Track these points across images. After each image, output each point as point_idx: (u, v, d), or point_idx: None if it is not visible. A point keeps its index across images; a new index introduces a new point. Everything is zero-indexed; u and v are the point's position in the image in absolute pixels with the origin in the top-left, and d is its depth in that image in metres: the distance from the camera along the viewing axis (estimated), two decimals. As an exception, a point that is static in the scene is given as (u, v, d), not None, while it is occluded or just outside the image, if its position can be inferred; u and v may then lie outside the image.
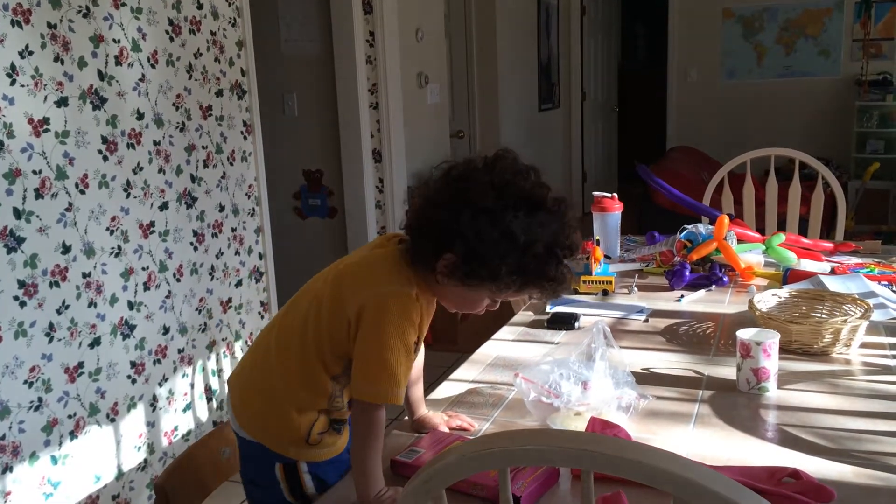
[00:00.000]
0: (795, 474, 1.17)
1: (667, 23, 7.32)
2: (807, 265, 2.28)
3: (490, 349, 1.82)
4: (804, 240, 2.51)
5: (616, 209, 2.49)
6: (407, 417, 1.45)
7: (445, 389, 1.60)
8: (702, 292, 2.19)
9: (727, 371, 1.61)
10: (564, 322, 1.94)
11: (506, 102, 5.76)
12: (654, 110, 7.86)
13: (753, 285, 2.21)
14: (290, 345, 1.29)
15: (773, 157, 3.06)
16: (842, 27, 6.71)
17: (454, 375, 1.66)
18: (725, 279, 2.24)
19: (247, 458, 1.35)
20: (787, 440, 1.34)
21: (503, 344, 1.86)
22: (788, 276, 2.18)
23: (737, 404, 1.48)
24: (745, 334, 1.53)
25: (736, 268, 2.28)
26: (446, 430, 1.38)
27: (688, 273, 2.22)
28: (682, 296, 2.16)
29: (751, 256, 2.34)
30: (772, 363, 1.51)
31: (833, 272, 2.23)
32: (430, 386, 1.57)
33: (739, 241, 2.42)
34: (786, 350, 1.71)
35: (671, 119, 7.48)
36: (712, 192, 3.13)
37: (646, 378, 1.62)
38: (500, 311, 2.49)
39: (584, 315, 2.02)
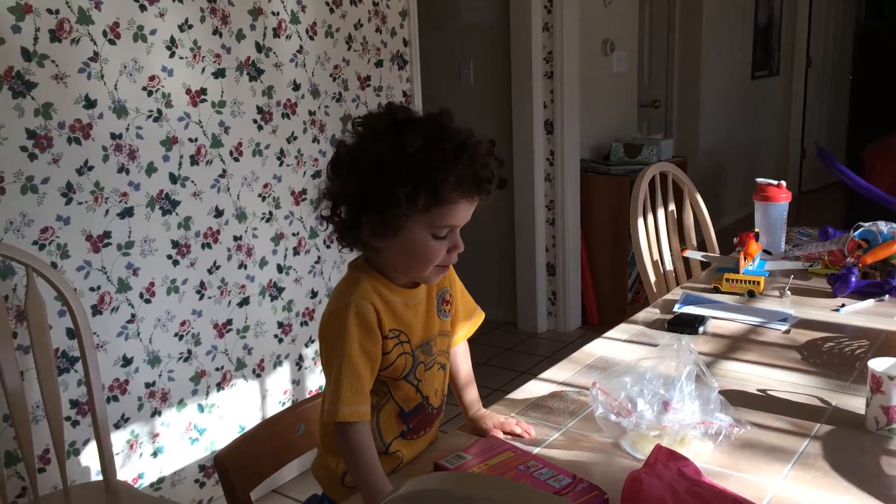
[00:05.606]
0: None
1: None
2: None
3: (596, 347, 1.69)
4: None
5: (782, 199, 2.22)
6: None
7: (530, 389, 1.50)
8: (869, 303, 1.89)
9: (861, 403, 1.37)
10: (688, 325, 1.76)
11: (710, 69, 5.34)
12: (896, 78, 6.90)
13: (937, 299, 1.88)
14: None
15: None
16: None
17: (543, 374, 1.56)
18: (902, 289, 1.92)
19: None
20: (906, 500, 1.11)
21: (612, 343, 1.72)
22: None
23: (857, 446, 1.26)
24: (879, 364, 1.29)
25: (921, 276, 1.95)
26: (501, 436, 1.30)
27: (854, 279, 1.92)
28: (843, 305, 1.87)
29: (943, 263, 1.99)
30: (909, 402, 1.26)
31: None
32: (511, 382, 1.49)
33: (932, 243, 2.06)
34: (947, 385, 1.42)
35: (913, 90, 6.55)
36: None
37: (757, 401, 1.42)
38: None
39: (716, 319, 1.82)
